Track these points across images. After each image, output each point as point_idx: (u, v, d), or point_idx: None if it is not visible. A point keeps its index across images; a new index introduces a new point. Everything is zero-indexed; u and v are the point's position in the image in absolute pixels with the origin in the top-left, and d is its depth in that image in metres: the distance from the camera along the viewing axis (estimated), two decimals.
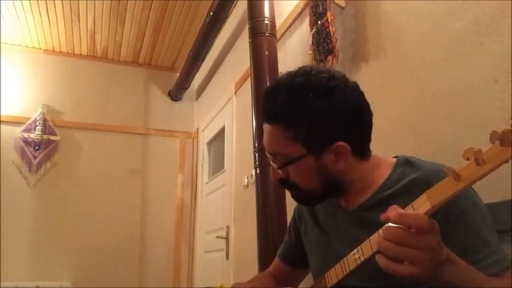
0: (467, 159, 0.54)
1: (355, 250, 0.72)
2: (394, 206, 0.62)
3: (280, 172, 0.89)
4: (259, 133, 1.95)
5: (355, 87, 0.87)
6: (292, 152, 0.85)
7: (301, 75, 0.86)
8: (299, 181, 0.88)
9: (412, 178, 0.81)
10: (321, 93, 0.83)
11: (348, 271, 0.74)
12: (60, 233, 3.73)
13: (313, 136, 0.83)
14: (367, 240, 0.69)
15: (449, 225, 0.73)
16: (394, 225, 0.60)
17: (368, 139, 0.90)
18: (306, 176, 0.87)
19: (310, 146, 0.84)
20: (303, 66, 0.89)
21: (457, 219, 0.74)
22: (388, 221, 0.61)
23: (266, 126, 0.89)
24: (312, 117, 0.82)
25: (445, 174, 0.57)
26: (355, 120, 0.85)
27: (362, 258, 0.69)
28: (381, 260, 0.61)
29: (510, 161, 0.52)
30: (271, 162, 0.91)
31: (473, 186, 0.80)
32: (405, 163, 0.86)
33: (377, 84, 1.58)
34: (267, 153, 0.92)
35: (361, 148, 0.88)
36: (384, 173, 0.87)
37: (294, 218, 1.13)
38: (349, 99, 0.84)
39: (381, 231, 0.65)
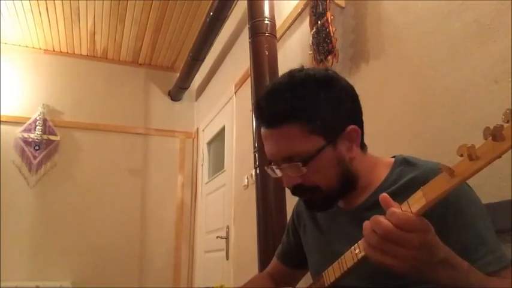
0: (461, 155, 0.55)
1: (352, 248, 0.72)
2: (385, 196, 0.63)
3: (298, 175, 0.85)
4: (259, 133, 1.95)
5: (344, 78, 0.92)
6: (312, 146, 0.83)
7: (298, 72, 0.88)
8: (319, 178, 0.85)
9: (410, 177, 0.82)
10: (323, 83, 0.86)
11: (346, 269, 0.74)
12: (60, 233, 3.73)
13: (328, 124, 0.84)
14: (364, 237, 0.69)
15: (447, 224, 0.74)
16: (383, 217, 0.61)
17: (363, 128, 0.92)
18: (326, 169, 0.84)
19: (327, 134, 0.84)
20: (291, 69, 0.90)
21: (455, 218, 0.75)
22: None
23: (274, 132, 0.85)
24: (322, 106, 0.84)
25: (440, 171, 0.57)
26: (356, 105, 0.90)
27: (359, 256, 0.69)
28: (366, 247, 0.62)
29: (503, 156, 0.52)
30: (285, 171, 0.86)
31: (472, 185, 0.81)
32: (403, 162, 0.87)
33: (377, 84, 1.58)
34: (277, 163, 0.87)
35: (363, 135, 0.90)
36: (382, 172, 0.88)
37: (292, 218, 1.13)
38: (347, 87, 0.90)
39: None
